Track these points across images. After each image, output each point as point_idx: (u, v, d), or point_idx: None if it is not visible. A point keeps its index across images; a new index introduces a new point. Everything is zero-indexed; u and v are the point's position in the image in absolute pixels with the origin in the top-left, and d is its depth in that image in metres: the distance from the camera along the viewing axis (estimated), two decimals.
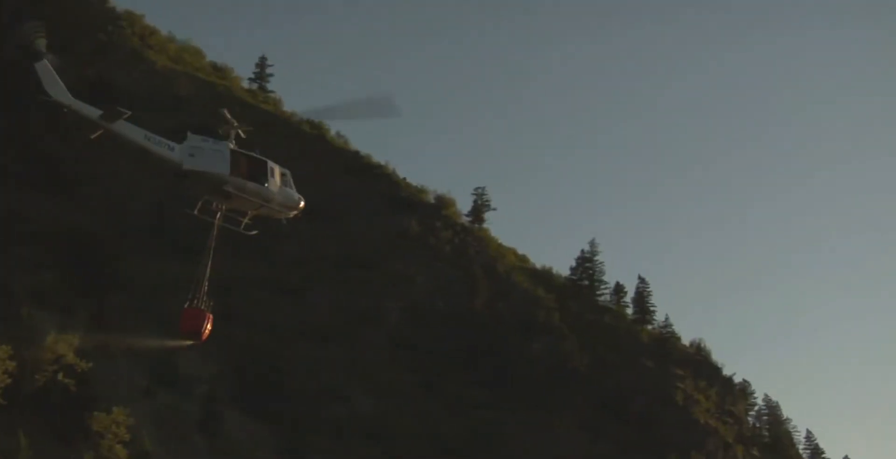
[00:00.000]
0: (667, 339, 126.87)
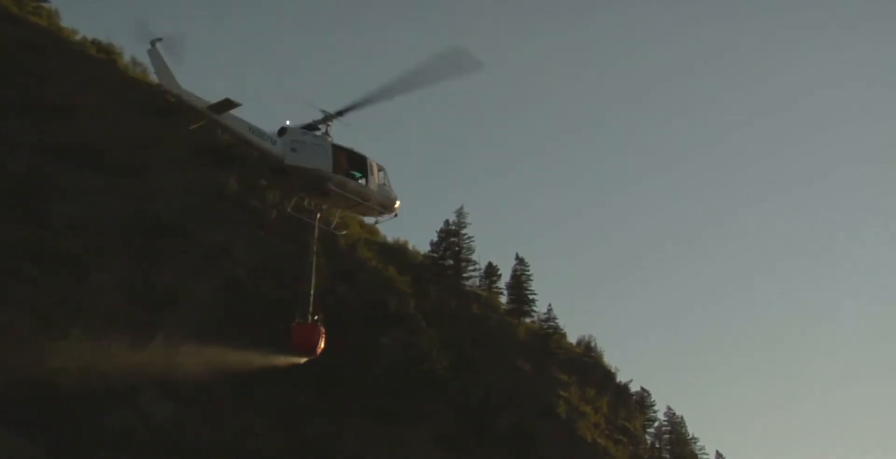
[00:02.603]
0: (549, 336, 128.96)
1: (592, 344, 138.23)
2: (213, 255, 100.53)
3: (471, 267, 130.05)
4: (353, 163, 47.27)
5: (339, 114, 47.08)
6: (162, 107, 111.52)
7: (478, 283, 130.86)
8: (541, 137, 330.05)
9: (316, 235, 49.17)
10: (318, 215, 48.92)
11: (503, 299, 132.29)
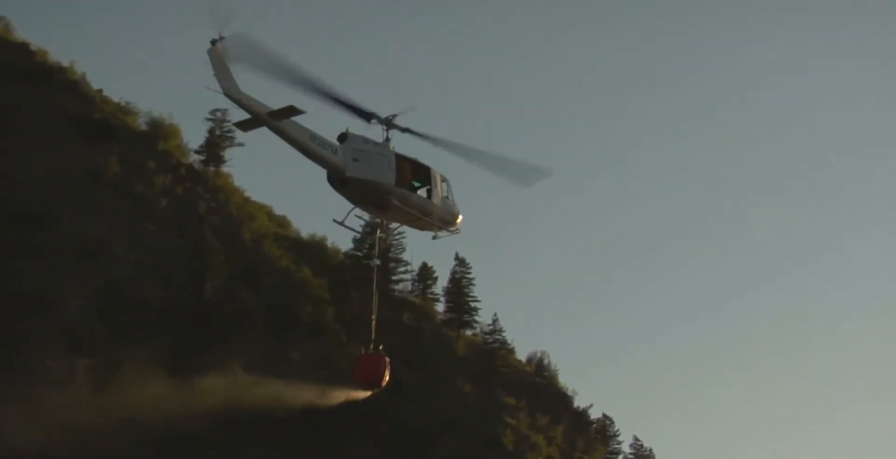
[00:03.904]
0: (494, 351, 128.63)
1: (545, 362, 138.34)
2: (89, 252, 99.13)
3: (401, 269, 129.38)
4: (417, 174, 50.57)
5: (403, 129, 50.77)
6: (25, 68, 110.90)
7: (409, 288, 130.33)
8: (488, 114, 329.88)
9: (376, 253, 54.99)
10: (378, 230, 54.79)
11: (440, 307, 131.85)
